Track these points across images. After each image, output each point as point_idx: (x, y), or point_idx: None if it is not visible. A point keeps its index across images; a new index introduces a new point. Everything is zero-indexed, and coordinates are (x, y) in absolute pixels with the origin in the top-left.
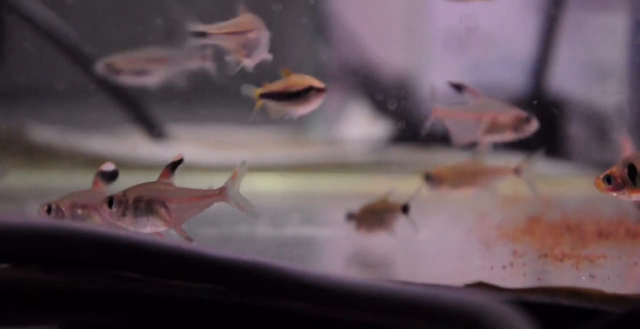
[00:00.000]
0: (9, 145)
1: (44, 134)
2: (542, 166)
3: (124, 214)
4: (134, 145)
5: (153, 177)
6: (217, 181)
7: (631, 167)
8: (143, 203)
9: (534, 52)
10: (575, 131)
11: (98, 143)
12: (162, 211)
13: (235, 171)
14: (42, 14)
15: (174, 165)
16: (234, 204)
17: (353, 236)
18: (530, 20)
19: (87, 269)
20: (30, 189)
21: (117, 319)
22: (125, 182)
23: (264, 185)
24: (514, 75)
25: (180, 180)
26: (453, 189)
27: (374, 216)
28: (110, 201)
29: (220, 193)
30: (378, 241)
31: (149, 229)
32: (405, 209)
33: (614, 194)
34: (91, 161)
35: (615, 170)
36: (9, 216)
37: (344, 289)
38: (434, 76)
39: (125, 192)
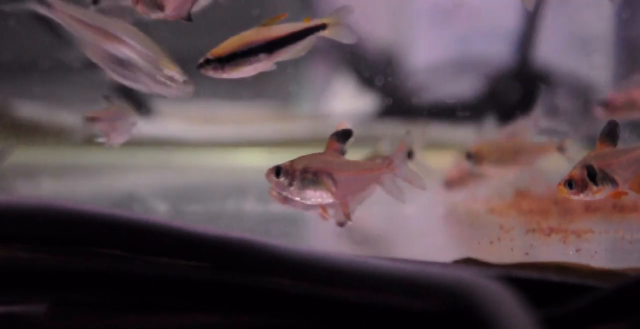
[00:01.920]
0: None
1: (29, 110)
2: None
3: (290, 184)
4: None
5: (140, 152)
6: (204, 156)
7: (590, 168)
8: (310, 174)
9: (520, 25)
10: (561, 105)
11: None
12: (329, 182)
13: (400, 142)
14: None
15: (342, 135)
16: (403, 176)
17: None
18: None
19: (74, 247)
20: (15, 166)
21: (104, 297)
22: (111, 158)
23: (250, 160)
24: (500, 49)
25: (167, 155)
26: (495, 167)
27: None
28: (277, 171)
29: (389, 165)
30: (365, 217)
31: (315, 201)
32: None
33: (579, 197)
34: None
35: (575, 173)
36: None
37: (331, 266)
38: (420, 50)
39: (292, 162)
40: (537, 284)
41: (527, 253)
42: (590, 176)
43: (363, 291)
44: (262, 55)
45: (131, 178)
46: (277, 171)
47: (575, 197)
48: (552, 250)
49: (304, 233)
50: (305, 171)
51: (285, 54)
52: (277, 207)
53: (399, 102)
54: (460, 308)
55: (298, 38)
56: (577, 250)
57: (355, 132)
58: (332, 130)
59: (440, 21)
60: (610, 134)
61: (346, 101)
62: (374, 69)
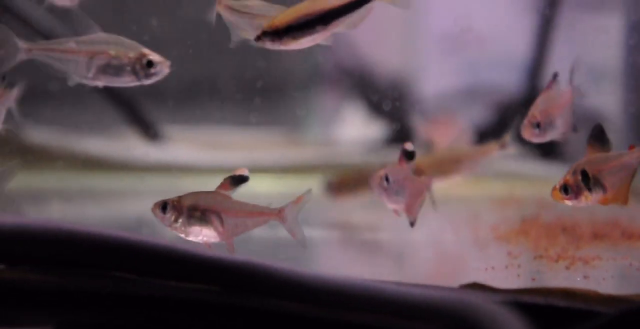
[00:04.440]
0: (3, 145)
1: (38, 135)
2: (536, 167)
3: (176, 221)
4: (129, 146)
5: (148, 178)
6: (212, 182)
7: (584, 173)
8: (198, 212)
9: (529, 53)
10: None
11: (93, 144)
12: (217, 222)
13: (300, 196)
14: (35, 12)
15: (237, 180)
16: (288, 227)
17: (348, 236)
18: (525, 21)
19: (81, 269)
20: (23, 190)
21: (111, 319)
22: (120, 183)
23: (259, 186)
24: (509, 76)
25: (175, 181)
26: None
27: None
28: (164, 206)
29: (279, 214)
30: (372, 242)
31: (201, 239)
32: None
33: (572, 202)
34: (86, 162)
35: (569, 178)
36: (2, 216)
37: (337, 289)
38: (429, 77)
39: (180, 198)
40: (543, 309)
41: (533, 279)
42: (584, 181)
43: (369, 315)
44: (318, 27)
45: (140, 203)
46: (164, 206)
47: (569, 203)
48: (559, 277)
49: (310, 258)
50: (193, 208)
51: (341, 25)
52: (284, 232)
53: (408, 129)
54: None
55: (354, 8)
56: (585, 277)
57: (364, 159)
58: (341, 157)
59: (450, 49)
60: (598, 138)
61: (355, 128)
62: (383, 96)
